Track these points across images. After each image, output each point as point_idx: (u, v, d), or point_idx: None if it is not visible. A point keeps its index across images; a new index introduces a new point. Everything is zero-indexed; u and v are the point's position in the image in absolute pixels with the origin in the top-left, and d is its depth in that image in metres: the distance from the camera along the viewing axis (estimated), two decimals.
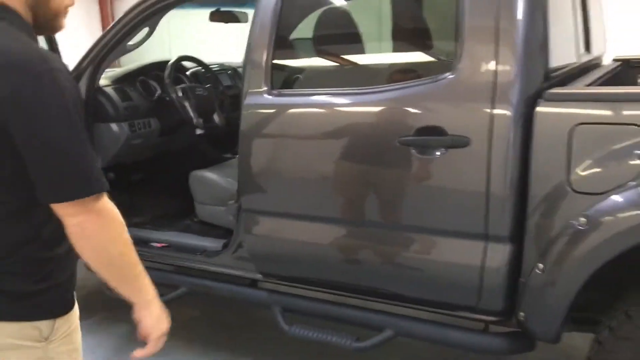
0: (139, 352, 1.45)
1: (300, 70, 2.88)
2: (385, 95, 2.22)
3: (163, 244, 3.01)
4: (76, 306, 1.48)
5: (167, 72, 3.23)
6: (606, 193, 1.83)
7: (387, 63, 2.67)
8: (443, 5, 2.36)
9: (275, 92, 2.42)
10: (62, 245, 1.36)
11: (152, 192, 3.61)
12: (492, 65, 2.00)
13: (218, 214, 2.99)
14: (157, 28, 2.99)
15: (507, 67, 1.98)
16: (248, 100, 2.45)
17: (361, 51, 2.66)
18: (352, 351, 2.42)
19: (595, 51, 2.93)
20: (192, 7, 3.36)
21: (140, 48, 3.05)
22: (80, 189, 1.24)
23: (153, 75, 3.44)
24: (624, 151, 1.81)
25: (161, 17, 2.91)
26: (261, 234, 2.57)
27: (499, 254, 2.07)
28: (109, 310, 3.38)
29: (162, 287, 2.85)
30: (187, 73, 3.68)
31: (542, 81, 2.02)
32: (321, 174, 2.34)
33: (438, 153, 2.08)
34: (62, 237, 1.32)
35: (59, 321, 1.41)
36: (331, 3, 2.69)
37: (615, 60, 3.31)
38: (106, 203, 1.30)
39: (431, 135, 2.09)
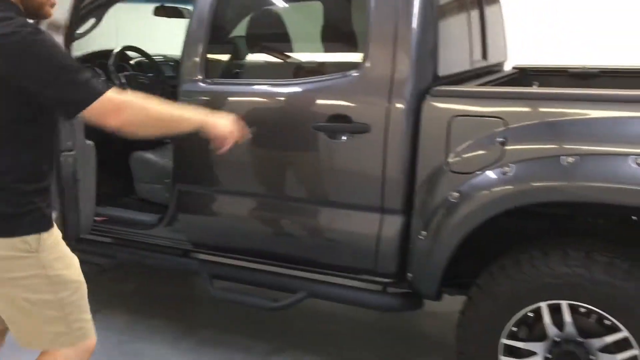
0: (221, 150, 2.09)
1: (231, 62, 3.21)
2: (304, 87, 2.58)
3: (104, 218, 3.28)
4: (55, 229, 1.85)
5: (111, 59, 3.49)
6: (475, 172, 2.24)
7: (306, 60, 3.03)
8: (354, 15, 2.74)
9: (208, 80, 2.75)
10: (44, 181, 1.80)
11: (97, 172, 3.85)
12: (390, 66, 2.39)
13: (155, 192, 3.29)
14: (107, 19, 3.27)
15: (403, 68, 2.38)
16: (184, 87, 2.77)
17: (286, 49, 3.02)
18: (269, 310, 2.78)
19: (493, 59, 3.37)
20: (138, 1, 3.63)
21: (88, 37, 3.31)
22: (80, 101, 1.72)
23: (98, 63, 3.69)
24: (489, 138, 2.22)
25: (107, 9, 3.19)
26: (192, 209, 2.89)
27: (392, 225, 2.46)
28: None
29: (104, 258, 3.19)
30: (132, 62, 3.94)
31: (432, 81, 2.42)
32: (246, 154, 2.68)
33: (344, 138, 2.46)
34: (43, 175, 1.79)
35: (44, 235, 1.78)
36: (262, 7, 3.04)
37: (514, 67, 3.79)
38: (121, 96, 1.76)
39: (339, 122, 2.46)
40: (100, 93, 1.69)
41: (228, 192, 2.78)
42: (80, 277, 1.92)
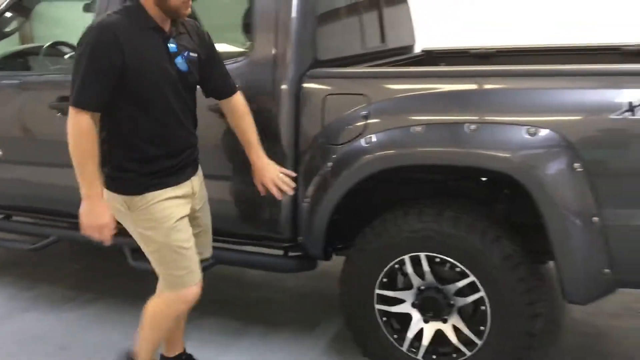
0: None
1: None
2: None
3: None
4: (158, 192, 2.24)
5: (40, 54, 3.74)
6: (345, 144, 2.54)
7: None
8: (244, 8, 3.01)
9: None
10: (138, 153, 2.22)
11: None
12: (273, 53, 2.67)
13: None
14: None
15: (284, 54, 2.66)
16: None
17: None
18: None
19: (394, 43, 3.66)
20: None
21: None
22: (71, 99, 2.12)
23: (32, 57, 3.94)
24: (355, 113, 2.52)
25: (31, 9, 3.44)
26: None
27: (283, 193, 2.75)
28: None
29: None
30: (65, 57, 4.19)
31: (311, 64, 2.70)
32: None
33: None
34: (135, 145, 2.21)
35: (134, 198, 2.23)
36: None
37: (422, 50, 4.09)
38: (74, 117, 2.11)
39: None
40: (72, 101, 2.09)
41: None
42: (165, 239, 2.26)
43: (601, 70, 2.27)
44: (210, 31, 2.50)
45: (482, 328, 2.45)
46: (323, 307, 3.46)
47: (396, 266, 2.55)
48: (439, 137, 2.33)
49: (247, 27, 2.88)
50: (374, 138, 2.45)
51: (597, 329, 3.19)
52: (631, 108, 2.07)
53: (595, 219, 2.16)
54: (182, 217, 2.31)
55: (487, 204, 2.65)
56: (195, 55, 2.31)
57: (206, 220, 2.56)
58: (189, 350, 2.79)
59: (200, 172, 2.47)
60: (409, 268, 2.53)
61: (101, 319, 3.42)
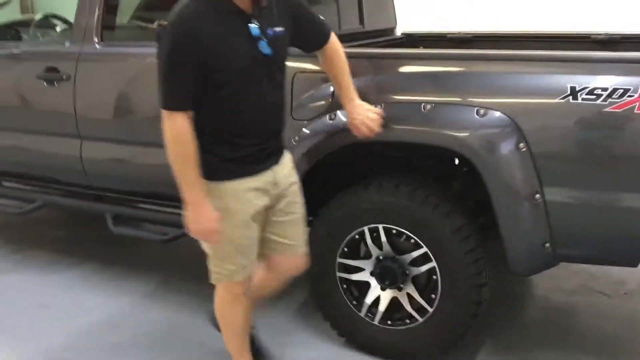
0: None
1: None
2: None
3: None
4: (237, 182, 2.15)
5: (32, 26, 3.86)
6: (311, 120, 2.68)
7: None
8: None
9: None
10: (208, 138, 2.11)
11: None
12: None
13: None
14: None
15: None
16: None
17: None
18: (158, 242, 3.25)
19: (373, 25, 3.77)
20: None
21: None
22: (160, 102, 2.04)
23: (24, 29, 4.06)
24: (322, 90, 2.66)
25: None
26: None
27: None
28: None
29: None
30: (57, 29, 4.30)
31: None
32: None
33: None
34: (208, 135, 2.10)
35: (210, 184, 2.12)
36: None
37: (402, 33, 4.21)
38: (169, 119, 2.03)
39: None
40: (161, 104, 2.02)
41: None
42: (231, 233, 2.17)
43: (547, 56, 2.40)
44: None
45: (433, 296, 2.61)
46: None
47: (356, 236, 2.70)
48: (397, 116, 2.47)
49: None
50: (337, 115, 2.59)
51: (556, 305, 3.36)
52: (573, 92, 2.21)
53: (538, 196, 2.31)
54: (255, 212, 2.20)
55: (445, 180, 2.79)
56: (281, 29, 2.16)
57: (294, 209, 2.36)
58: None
59: (287, 159, 2.35)
60: (368, 238, 2.68)
61: (82, 281, 3.59)
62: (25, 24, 4.08)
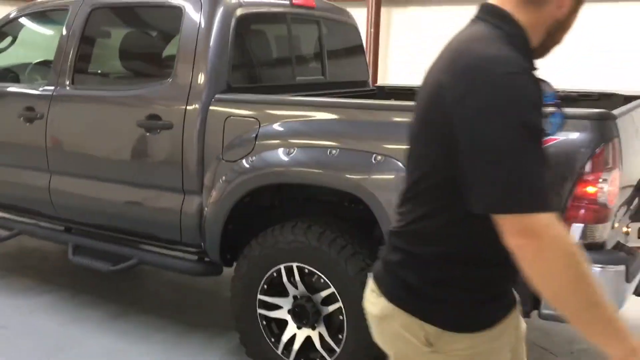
0: None
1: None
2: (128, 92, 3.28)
3: None
4: (487, 332, 1.35)
5: (26, 72, 4.23)
6: (237, 161, 2.84)
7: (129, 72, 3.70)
8: (172, 41, 3.38)
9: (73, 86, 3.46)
10: (473, 265, 1.30)
11: None
12: (189, 79, 3.03)
13: None
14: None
15: (199, 80, 3.01)
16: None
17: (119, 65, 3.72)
18: (108, 273, 3.44)
19: (336, 77, 3.96)
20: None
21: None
22: (504, 202, 1.13)
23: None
24: (247, 134, 2.83)
25: (18, 30, 3.96)
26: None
27: (192, 203, 3.07)
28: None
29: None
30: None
31: (224, 91, 3.04)
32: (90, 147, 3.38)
33: (157, 132, 3.10)
34: (477, 258, 1.29)
35: (450, 335, 1.33)
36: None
37: (375, 86, 4.38)
38: (549, 227, 1.13)
39: (155, 120, 3.11)
40: (529, 208, 1.13)
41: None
42: None
43: None
44: (140, 61, 2.87)
45: (340, 336, 2.67)
46: None
47: (274, 274, 2.81)
48: (305, 159, 2.61)
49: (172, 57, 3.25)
50: (254, 158, 2.76)
51: None
52: None
53: None
54: None
55: (354, 222, 2.88)
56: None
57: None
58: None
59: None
60: (284, 277, 2.78)
61: (47, 307, 3.79)
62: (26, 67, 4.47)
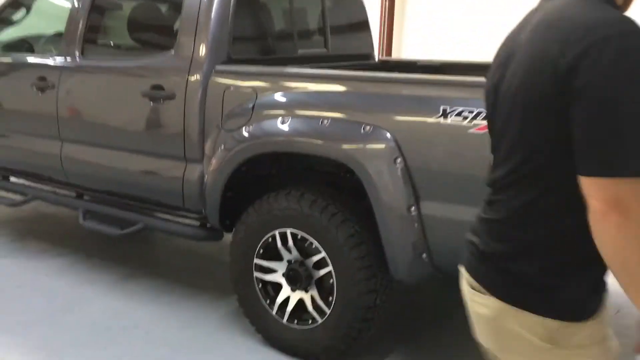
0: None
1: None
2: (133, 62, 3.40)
3: None
4: (604, 315, 1.31)
5: (44, 39, 4.37)
6: (234, 131, 2.96)
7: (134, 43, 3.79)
8: (175, 14, 3.48)
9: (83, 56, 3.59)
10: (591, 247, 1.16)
11: None
12: (191, 50, 3.13)
13: None
14: None
15: (201, 52, 3.11)
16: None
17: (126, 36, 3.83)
18: (116, 237, 3.61)
19: (338, 50, 4.02)
20: None
21: None
22: (602, 165, 1.10)
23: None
24: (246, 105, 2.94)
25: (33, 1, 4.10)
26: None
27: (193, 171, 3.20)
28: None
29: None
30: None
31: (225, 62, 3.14)
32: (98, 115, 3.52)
33: (161, 102, 3.22)
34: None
35: (572, 326, 1.26)
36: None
37: (380, 60, 4.44)
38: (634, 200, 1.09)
39: (158, 90, 3.23)
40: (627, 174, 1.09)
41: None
42: None
43: (424, 79, 2.59)
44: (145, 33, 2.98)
45: (330, 299, 2.80)
46: None
47: (270, 240, 2.94)
48: (300, 128, 2.72)
49: (173, 30, 3.35)
50: (251, 127, 2.87)
51: None
52: (444, 113, 2.38)
53: (413, 209, 2.47)
54: None
55: (345, 190, 2.98)
56: None
57: None
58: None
59: None
60: (278, 242, 2.91)
61: (60, 269, 3.98)
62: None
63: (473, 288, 1.36)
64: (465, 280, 1.40)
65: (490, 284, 1.32)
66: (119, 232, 3.57)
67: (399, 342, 3.19)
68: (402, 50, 9.24)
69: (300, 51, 3.69)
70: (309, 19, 3.90)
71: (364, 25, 4.33)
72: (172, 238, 4.44)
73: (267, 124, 2.83)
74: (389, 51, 9.00)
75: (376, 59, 4.46)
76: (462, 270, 1.42)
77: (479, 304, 1.35)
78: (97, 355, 3.02)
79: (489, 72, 1.39)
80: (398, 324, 3.39)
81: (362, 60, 4.28)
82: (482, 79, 2.69)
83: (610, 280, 1.25)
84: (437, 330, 3.39)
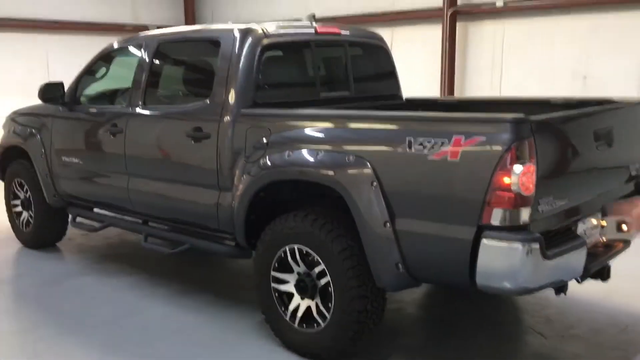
0: None
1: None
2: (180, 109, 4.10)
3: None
4: None
5: (121, 91, 5.22)
6: (254, 162, 3.54)
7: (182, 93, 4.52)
8: (210, 65, 4.15)
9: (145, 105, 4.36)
10: None
11: None
12: (222, 97, 3.78)
13: None
14: None
15: (230, 99, 3.75)
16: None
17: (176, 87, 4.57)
18: (169, 254, 4.27)
19: (363, 93, 4.54)
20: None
21: None
22: None
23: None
24: (262, 140, 3.52)
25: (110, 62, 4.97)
26: None
27: (225, 197, 3.80)
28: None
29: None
30: None
31: (250, 106, 3.75)
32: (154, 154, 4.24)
33: (200, 141, 3.88)
34: None
35: None
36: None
37: (406, 99, 4.92)
38: None
39: (198, 132, 3.89)
40: None
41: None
42: None
43: (394, 116, 3.05)
44: (190, 84, 3.68)
45: (330, 305, 3.26)
46: None
47: (282, 255, 3.46)
48: (301, 160, 3.26)
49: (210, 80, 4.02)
50: (266, 159, 3.44)
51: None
52: (409, 144, 2.84)
53: (388, 224, 2.92)
54: None
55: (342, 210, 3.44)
56: None
57: None
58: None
59: None
60: (288, 256, 3.42)
61: (127, 286, 4.70)
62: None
63: None
64: None
65: None
66: (170, 251, 4.23)
67: (399, 342, 3.58)
68: (466, 83, 9.63)
69: (323, 94, 4.25)
70: (332, 67, 4.47)
71: (388, 69, 4.83)
72: (220, 260, 5.07)
73: (275, 157, 3.40)
74: (450, 90, 9.43)
75: (403, 99, 4.93)
76: None
77: None
78: (146, 350, 3.64)
79: None
80: (398, 325, 3.78)
81: (387, 100, 4.77)
82: (442, 114, 3.16)
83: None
84: (437, 330, 3.74)
